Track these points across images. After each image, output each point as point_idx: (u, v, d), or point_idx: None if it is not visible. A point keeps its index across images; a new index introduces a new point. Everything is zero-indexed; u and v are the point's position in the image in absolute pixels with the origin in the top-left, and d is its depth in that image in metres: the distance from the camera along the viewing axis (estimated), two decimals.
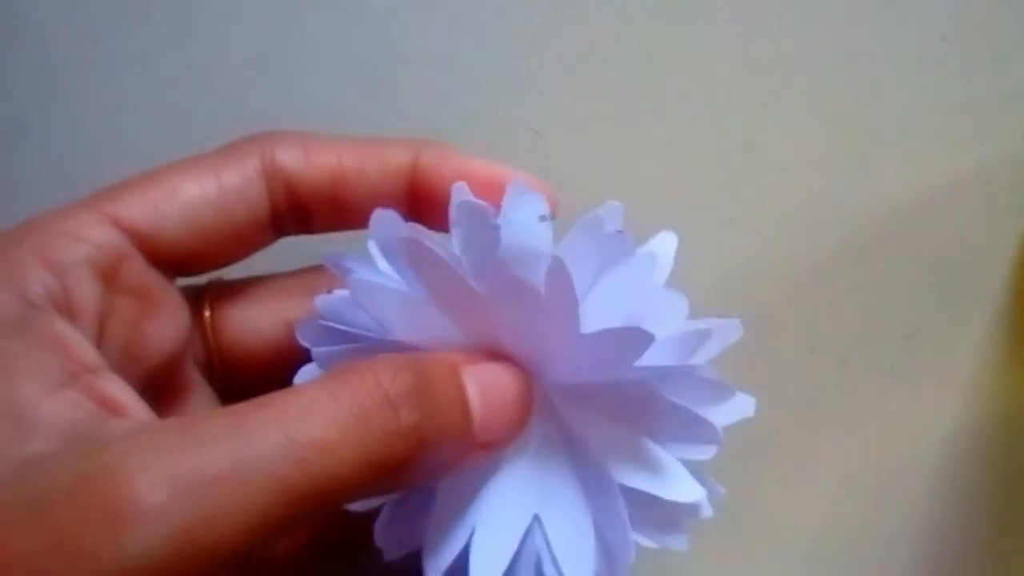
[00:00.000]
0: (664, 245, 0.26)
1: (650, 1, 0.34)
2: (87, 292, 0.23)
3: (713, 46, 0.35)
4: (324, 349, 0.25)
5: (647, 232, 0.26)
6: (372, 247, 0.25)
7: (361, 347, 0.25)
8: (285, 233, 0.28)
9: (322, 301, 0.26)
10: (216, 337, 0.27)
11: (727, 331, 0.25)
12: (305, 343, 0.26)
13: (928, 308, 0.36)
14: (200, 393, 0.27)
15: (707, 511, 0.25)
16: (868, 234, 0.35)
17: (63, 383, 0.21)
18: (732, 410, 0.25)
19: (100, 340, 0.23)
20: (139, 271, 0.25)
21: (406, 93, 0.35)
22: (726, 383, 0.25)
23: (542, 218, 0.24)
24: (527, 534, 0.24)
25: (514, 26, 0.35)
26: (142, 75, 0.35)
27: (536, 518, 0.25)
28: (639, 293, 0.24)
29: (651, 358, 0.23)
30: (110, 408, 0.21)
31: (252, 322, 0.28)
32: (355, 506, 0.24)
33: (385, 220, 0.24)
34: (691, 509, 0.25)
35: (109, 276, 0.24)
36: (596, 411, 0.25)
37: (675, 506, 0.24)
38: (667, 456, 0.25)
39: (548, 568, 0.24)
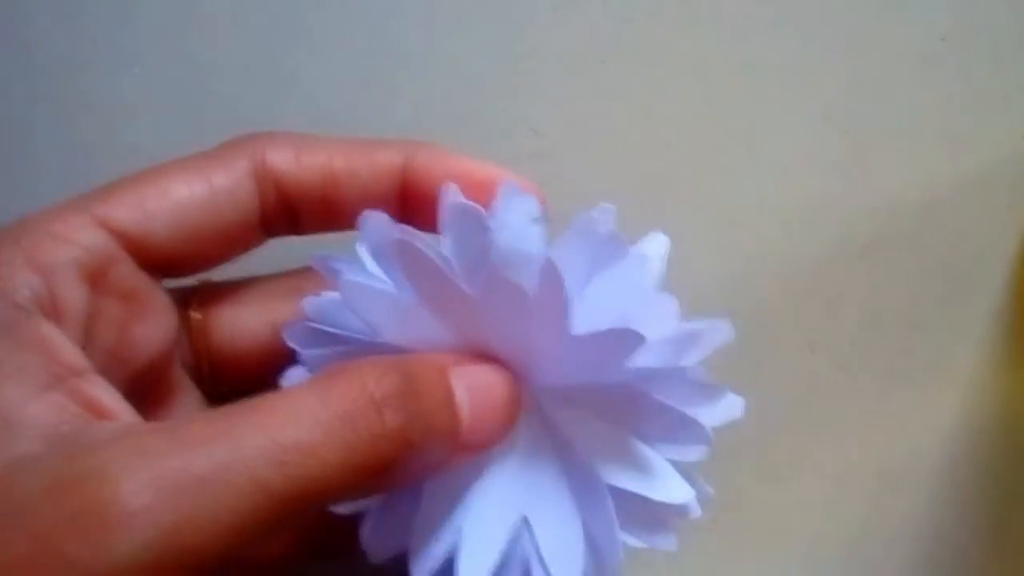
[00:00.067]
0: (655, 246, 0.26)
1: (650, 1, 0.34)
2: (74, 295, 0.23)
3: (713, 46, 0.34)
4: (312, 351, 0.25)
5: (647, 232, 0.26)
6: (360, 249, 0.25)
7: (350, 349, 0.25)
8: (275, 234, 0.27)
9: (310, 303, 0.26)
10: (204, 339, 0.27)
11: (717, 332, 0.25)
12: (292, 345, 0.26)
13: (928, 308, 0.36)
14: (187, 395, 0.27)
15: (696, 511, 0.25)
16: (868, 234, 0.35)
17: (48, 386, 0.21)
18: (722, 411, 0.25)
19: (87, 343, 0.23)
20: (127, 273, 0.25)
21: (406, 93, 0.35)
22: (716, 384, 0.25)
23: (534, 220, 0.24)
24: (515, 535, 0.24)
25: (514, 26, 0.35)
26: (142, 75, 0.35)
27: (524, 519, 0.25)
28: (630, 295, 0.24)
29: (641, 359, 0.23)
30: (95, 411, 0.21)
31: (240, 324, 0.27)
32: (341, 508, 0.24)
33: (374, 221, 0.25)
34: (680, 510, 0.25)
35: (96, 278, 0.24)
36: (585, 412, 0.25)
37: (664, 507, 0.24)
38: (656, 457, 0.25)
39: (536, 569, 0.24)
